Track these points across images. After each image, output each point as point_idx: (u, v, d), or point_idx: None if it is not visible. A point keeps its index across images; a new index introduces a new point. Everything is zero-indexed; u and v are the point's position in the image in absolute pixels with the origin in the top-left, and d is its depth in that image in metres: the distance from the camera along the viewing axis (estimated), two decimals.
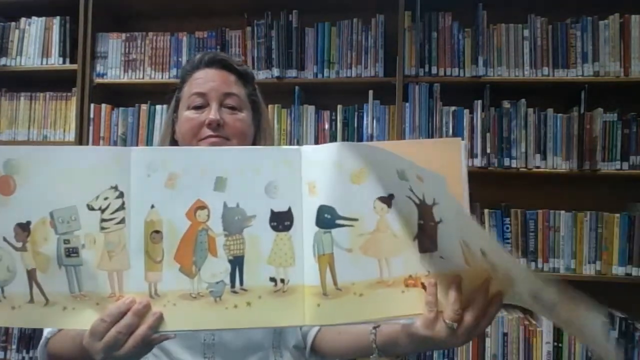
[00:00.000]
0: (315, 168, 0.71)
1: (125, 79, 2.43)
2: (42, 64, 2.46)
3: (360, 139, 2.29)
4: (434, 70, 2.24)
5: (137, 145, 2.38)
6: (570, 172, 2.13)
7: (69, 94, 2.48)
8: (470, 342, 2.11)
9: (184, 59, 2.39)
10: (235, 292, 0.71)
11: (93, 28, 2.42)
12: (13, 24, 2.50)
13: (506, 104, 2.20)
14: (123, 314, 0.69)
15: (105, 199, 0.71)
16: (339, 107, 2.31)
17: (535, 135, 2.17)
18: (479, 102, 2.21)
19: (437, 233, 0.70)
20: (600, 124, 2.13)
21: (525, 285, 0.65)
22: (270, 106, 2.26)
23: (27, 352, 2.44)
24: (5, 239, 0.70)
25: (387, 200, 0.70)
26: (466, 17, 2.24)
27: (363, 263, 0.70)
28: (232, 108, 0.99)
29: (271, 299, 0.71)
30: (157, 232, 0.71)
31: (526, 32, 2.20)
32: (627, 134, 2.12)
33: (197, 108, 0.99)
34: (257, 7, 2.35)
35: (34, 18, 2.48)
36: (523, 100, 2.19)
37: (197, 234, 0.71)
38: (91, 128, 2.42)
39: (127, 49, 2.44)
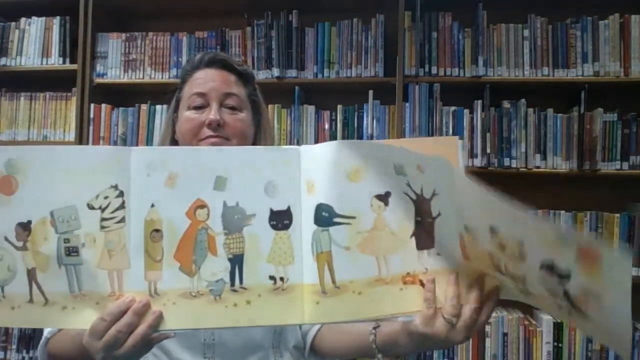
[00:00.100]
0: (313, 167, 0.72)
1: (125, 79, 2.44)
2: (42, 64, 2.47)
3: (360, 139, 2.29)
4: (434, 70, 2.24)
5: (137, 145, 2.38)
6: (570, 172, 2.13)
7: (69, 94, 2.48)
8: (470, 342, 2.11)
9: (184, 59, 2.39)
10: (235, 290, 0.71)
11: (93, 28, 2.42)
12: (13, 24, 2.50)
13: (506, 104, 2.20)
14: (123, 313, 0.70)
15: (105, 198, 0.71)
16: (339, 107, 2.31)
17: (535, 135, 2.17)
18: (479, 102, 2.21)
19: (434, 229, 0.70)
20: (600, 124, 2.13)
21: (540, 254, 0.62)
22: (270, 106, 2.26)
23: (27, 352, 2.44)
24: (6, 239, 0.70)
25: (384, 198, 0.71)
26: (466, 17, 2.24)
27: (361, 261, 0.71)
28: (232, 108, 0.99)
29: (271, 298, 0.71)
30: (157, 231, 0.71)
31: (526, 32, 2.20)
32: (627, 134, 2.12)
33: (198, 108, 0.99)
34: (257, 7, 2.35)
35: (34, 18, 2.48)
36: (523, 100, 2.19)
37: (197, 233, 0.71)
38: (91, 128, 2.42)
39: (127, 49, 2.45)
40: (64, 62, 2.45)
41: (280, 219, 0.72)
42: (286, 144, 2.31)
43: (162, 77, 2.41)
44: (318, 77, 2.31)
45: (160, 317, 0.70)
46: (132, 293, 0.70)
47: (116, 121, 2.44)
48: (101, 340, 0.70)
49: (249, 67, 1.10)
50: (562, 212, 2.15)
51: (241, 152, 0.77)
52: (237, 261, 0.71)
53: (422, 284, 0.71)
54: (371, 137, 2.29)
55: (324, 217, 0.71)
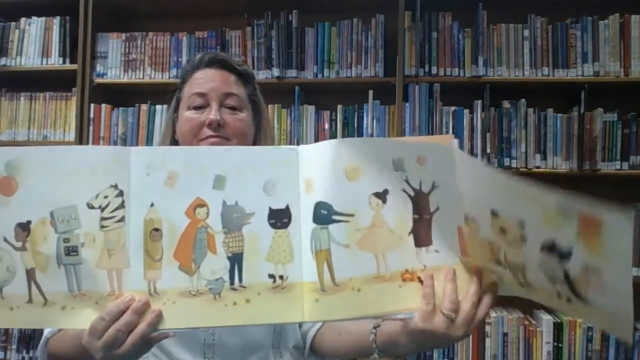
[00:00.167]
0: (312, 166, 0.73)
1: (125, 79, 2.43)
2: (42, 64, 2.46)
3: None
4: (434, 70, 2.24)
5: (137, 145, 2.38)
6: (570, 172, 2.13)
7: (69, 94, 2.48)
8: (470, 342, 2.11)
9: (184, 59, 2.39)
10: (234, 289, 0.71)
11: (93, 28, 2.42)
12: (13, 24, 2.50)
13: (506, 104, 2.20)
14: (122, 312, 0.70)
15: (105, 197, 0.71)
16: (339, 107, 2.31)
17: (535, 135, 2.17)
18: (479, 102, 2.21)
19: (432, 226, 0.71)
20: (600, 124, 2.13)
21: (540, 234, 0.62)
22: (270, 106, 2.26)
23: (27, 352, 2.44)
24: (5, 239, 0.70)
25: (382, 195, 0.71)
26: (466, 17, 2.24)
27: (360, 258, 0.71)
28: (233, 108, 0.99)
29: (270, 296, 0.72)
30: (157, 230, 0.72)
31: (526, 32, 2.20)
32: (627, 134, 2.12)
33: (198, 108, 0.99)
34: (257, 7, 2.35)
35: (34, 18, 2.48)
36: (523, 100, 2.19)
37: (197, 232, 0.72)
38: (91, 128, 2.42)
39: (127, 49, 2.44)
40: (64, 62, 2.45)
41: (279, 218, 0.73)
42: (286, 144, 2.31)
43: (162, 77, 2.41)
44: (318, 77, 2.31)
45: (159, 316, 0.70)
46: (132, 292, 0.71)
47: (116, 121, 2.43)
48: (100, 340, 0.70)
49: (249, 67, 1.10)
50: None
51: (240, 151, 0.78)
52: (236, 260, 0.72)
53: (421, 281, 0.72)
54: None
55: (323, 215, 0.71)
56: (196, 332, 0.94)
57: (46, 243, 0.70)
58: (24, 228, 0.70)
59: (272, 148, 0.87)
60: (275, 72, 2.31)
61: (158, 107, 2.40)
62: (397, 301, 0.72)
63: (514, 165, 2.16)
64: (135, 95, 2.49)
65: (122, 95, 2.53)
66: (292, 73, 2.32)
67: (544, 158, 2.15)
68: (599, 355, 2.05)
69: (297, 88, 2.31)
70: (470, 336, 2.11)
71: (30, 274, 0.70)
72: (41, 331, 0.95)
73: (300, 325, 1.01)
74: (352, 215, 0.71)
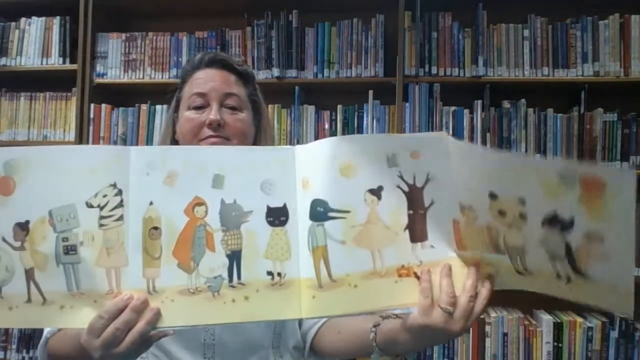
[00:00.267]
0: (308, 164, 0.74)
1: (125, 79, 2.44)
2: (42, 64, 2.46)
3: None
4: (434, 70, 2.24)
5: (137, 145, 2.38)
6: None
7: (69, 94, 2.48)
8: (470, 342, 2.11)
9: (184, 59, 2.39)
10: (233, 286, 0.72)
11: (93, 28, 2.42)
12: (13, 24, 2.50)
13: (506, 104, 2.20)
14: (121, 311, 0.70)
15: (104, 196, 0.71)
16: (339, 107, 2.31)
17: (535, 135, 2.17)
18: (479, 102, 2.21)
19: (426, 221, 0.72)
20: (600, 124, 2.13)
21: (541, 208, 0.63)
22: (270, 106, 2.26)
23: (27, 352, 2.44)
24: (3, 239, 0.70)
25: (377, 192, 0.72)
26: (466, 17, 2.24)
27: (356, 254, 0.72)
28: (233, 108, 0.99)
29: (268, 293, 0.72)
30: (156, 228, 0.72)
31: (526, 32, 2.20)
32: (627, 134, 2.12)
33: (198, 108, 0.99)
34: (257, 7, 2.35)
35: (34, 18, 2.48)
36: (523, 100, 2.19)
37: (195, 230, 0.72)
38: (91, 128, 2.42)
39: (127, 49, 2.44)
40: (64, 62, 2.45)
41: (277, 216, 0.74)
42: (286, 144, 2.31)
43: (162, 77, 2.41)
44: (318, 77, 2.31)
45: (158, 314, 0.70)
46: (130, 290, 0.71)
47: (116, 121, 2.43)
48: (99, 339, 0.70)
49: (249, 67, 1.10)
50: None
51: (238, 151, 0.80)
52: (235, 257, 0.72)
53: (417, 277, 0.72)
54: None
55: (319, 212, 0.72)
56: (196, 332, 0.94)
57: (45, 242, 0.70)
58: (22, 228, 0.70)
59: (269, 148, 0.88)
60: (275, 72, 2.31)
61: (158, 107, 2.40)
62: (393, 297, 0.72)
63: None
64: (135, 95, 2.49)
65: (122, 95, 2.53)
66: (292, 73, 2.32)
67: (544, 158, 2.15)
68: (599, 355, 2.05)
69: (297, 88, 2.31)
70: (470, 336, 2.11)
71: (29, 274, 0.71)
72: (41, 331, 0.95)
73: (300, 325, 1.01)
74: (347, 211, 0.72)
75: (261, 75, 2.30)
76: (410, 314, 0.73)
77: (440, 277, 0.71)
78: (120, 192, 0.72)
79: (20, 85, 2.52)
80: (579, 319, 2.09)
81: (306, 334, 1.00)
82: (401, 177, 0.72)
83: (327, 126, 2.32)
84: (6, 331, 2.45)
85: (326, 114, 2.33)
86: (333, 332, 0.96)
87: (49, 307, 0.71)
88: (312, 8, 2.33)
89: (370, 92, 2.28)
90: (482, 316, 2.07)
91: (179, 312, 0.71)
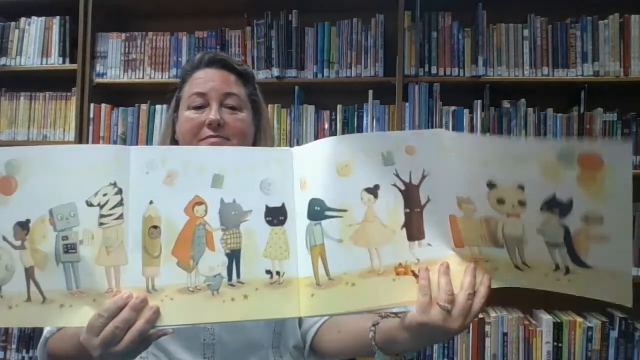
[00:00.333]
0: (306, 165, 0.75)
1: (125, 79, 2.44)
2: (42, 64, 2.46)
3: None
4: (434, 70, 2.24)
5: (137, 145, 2.38)
6: None
7: (69, 94, 2.48)
8: (470, 342, 2.11)
9: (184, 59, 2.39)
10: (232, 285, 0.72)
11: (93, 28, 2.42)
12: (13, 24, 2.50)
13: (506, 104, 2.20)
14: (120, 309, 0.70)
15: (105, 195, 0.72)
16: (339, 107, 2.31)
17: (535, 135, 2.16)
18: (479, 102, 2.21)
19: (423, 220, 0.73)
20: (600, 124, 2.13)
21: (541, 192, 0.64)
22: (270, 106, 2.26)
23: (27, 352, 2.44)
24: (4, 238, 0.71)
25: (374, 191, 0.73)
26: (466, 17, 2.24)
27: (354, 253, 0.72)
28: (233, 108, 0.99)
29: (268, 292, 0.73)
30: (156, 227, 0.72)
31: (526, 32, 2.20)
32: (627, 134, 2.12)
33: (198, 108, 0.99)
34: (257, 7, 2.35)
35: (34, 18, 2.48)
36: (523, 100, 2.19)
37: (195, 229, 0.73)
38: (91, 128, 2.42)
39: (127, 49, 2.44)
40: (64, 62, 2.45)
41: (276, 215, 0.74)
42: (286, 144, 2.32)
43: (162, 77, 2.41)
44: (318, 77, 2.31)
45: (157, 313, 0.71)
46: (130, 289, 0.71)
47: (116, 121, 2.44)
48: (99, 337, 0.70)
49: (249, 67, 1.10)
50: None
51: (238, 152, 0.81)
52: (234, 256, 0.73)
53: (415, 275, 0.73)
54: None
55: (317, 211, 0.73)
56: (196, 331, 0.94)
57: (45, 241, 0.71)
58: (23, 227, 0.71)
59: (267, 149, 0.89)
60: (275, 72, 2.31)
61: (158, 107, 2.40)
62: (391, 295, 0.73)
63: None
64: (135, 95, 2.49)
65: (122, 95, 2.53)
66: (292, 73, 2.32)
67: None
68: (599, 355, 2.05)
69: (297, 88, 2.31)
70: (470, 336, 2.11)
71: (29, 273, 0.71)
72: (41, 331, 0.95)
73: (300, 324, 1.01)
74: (344, 211, 0.73)
75: (261, 75, 2.30)
76: (409, 313, 0.73)
77: (438, 275, 0.72)
78: (120, 192, 0.72)
79: (20, 85, 2.52)
80: (579, 319, 2.09)
81: (306, 334, 1.00)
82: (397, 176, 0.72)
83: (327, 126, 2.32)
84: (6, 331, 2.45)
85: (326, 114, 2.33)
86: (333, 332, 0.96)
87: (49, 306, 0.71)
88: (312, 8, 2.33)
89: (370, 92, 2.28)
90: (481, 316, 2.08)
91: (179, 310, 0.71)
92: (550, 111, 2.18)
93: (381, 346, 0.81)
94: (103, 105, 2.43)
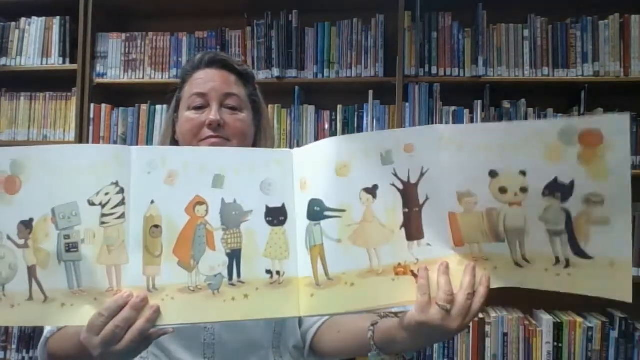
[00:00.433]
0: (305, 165, 0.75)
1: (125, 79, 2.44)
2: (42, 64, 2.47)
3: None
4: (434, 70, 2.24)
5: (137, 145, 2.38)
6: None
7: (69, 94, 2.48)
8: (470, 342, 2.11)
9: (184, 59, 2.39)
10: (232, 284, 0.73)
11: (93, 28, 2.42)
12: (13, 24, 2.50)
13: (506, 104, 2.20)
14: (121, 308, 0.70)
15: (106, 194, 0.72)
16: (339, 107, 2.31)
17: None
18: (479, 102, 2.21)
19: (422, 219, 0.73)
20: None
21: (542, 176, 0.65)
22: (270, 106, 2.26)
23: (27, 352, 2.44)
24: (8, 237, 0.71)
25: (372, 191, 0.73)
26: (466, 17, 2.25)
27: (353, 253, 0.73)
28: (233, 108, 0.99)
29: (267, 291, 0.73)
30: (157, 226, 0.73)
31: (526, 32, 2.20)
32: None
33: (198, 108, 0.99)
34: (257, 7, 2.35)
35: (34, 18, 2.48)
36: (523, 100, 2.19)
37: (196, 229, 0.73)
38: (91, 128, 2.42)
39: (127, 49, 2.45)
40: (64, 62, 2.45)
41: (276, 216, 0.75)
42: (286, 144, 2.32)
43: (162, 77, 2.41)
44: (318, 77, 2.31)
45: (158, 312, 0.71)
46: (131, 288, 0.71)
47: (116, 121, 2.44)
48: (99, 336, 0.70)
49: (249, 67, 1.10)
50: None
51: (238, 152, 0.82)
52: (234, 256, 0.73)
53: (414, 275, 0.73)
54: None
55: (316, 211, 0.73)
56: (196, 331, 0.94)
57: (47, 240, 0.71)
58: (27, 226, 0.71)
59: (267, 150, 0.89)
60: (275, 72, 2.31)
61: (158, 107, 2.40)
62: (390, 295, 0.73)
63: None
64: (135, 95, 2.49)
65: (122, 95, 2.53)
66: (292, 73, 2.32)
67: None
68: (599, 355, 2.05)
69: (297, 88, 2.32)
70: (470, 336, 2.11)
71: (31, 271, 0.71)
72: (41, 330, 0.95)
73: (300, 324, 1.01)
74: (343, 210, 0.73)
75: (261, 75, 2.30)
76: (408, 312, 0.74)
77: (437, 274, 0.72)
78: (122, 191, 0.72)
79: (20, 85, 2.52)
80: (579, 319, 2.09)
81: (306, 334, 1.00)
82: (395, 175, 0.72)
83: (327, 126, 2.32)
84: (6, 331, 2.45)
85: (326, 114, 2.33)
86: (332, 332, 0.96)
87: (50, 304, 0.71)
88: (312, 8, 2.33)
89: (370, 92, 2.28)
90: (481, 316, 2.08)
91: (179, 310, 0.71)
92: (550, 111, 2.18)
93: (380, 346, 0.81)
94: (103, 105, 2.43)
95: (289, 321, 1.00)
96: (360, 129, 2.29)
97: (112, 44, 2.45)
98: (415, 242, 0.73)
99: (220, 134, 0.97)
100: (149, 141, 2.38)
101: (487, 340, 2.11)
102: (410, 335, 0.75)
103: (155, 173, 0.73)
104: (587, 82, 2.14)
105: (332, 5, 2.35)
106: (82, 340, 0.72)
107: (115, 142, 2.41)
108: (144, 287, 0.71)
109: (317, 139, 2.30)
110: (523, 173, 0.66)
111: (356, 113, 2.30)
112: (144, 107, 2.42)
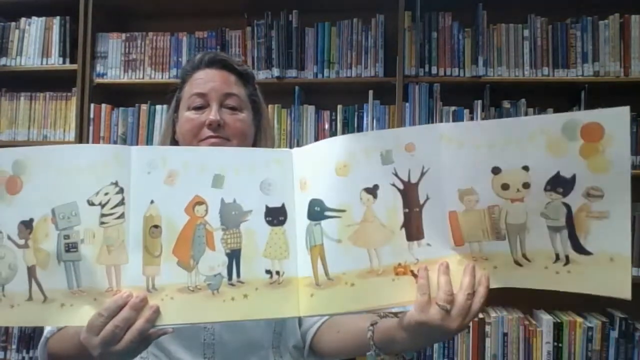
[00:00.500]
0: (305, 165, 0.75)
1: (125, 79, 2.44)
2: (42, 64, 2.47)
3: None
4: (434, 70, 2.24)
5: (137, 145, 2.38)
6: None
7: (69, 94, 2.48)
8: (470, 342, 2.11)
9: (184, 59, 2.39)
10: (232, 284, 0.73)
11: (93, 28, 2.42)
12: (13, 24, 2.50)
13: (506, 104, 2.20)
14: (120, 308, 0.70)
15: (106, 194, 0.72)
16: (339, 107, 2.31)
17: None
18: (479, 102, 2.21)
19: (422, 219, 0.73)
20: None
21: (544, 171, 0.66)
22: (270, 106, 2.26)
23: (27, 352, 2.44)
24: (9, 237, 0.71)
25: (373, 191, 0.73)
26: (466, 17, 2.25)
27: (353, 253, 0.73)
28: (233, 108, 0.99)
29: (267, 291, 0.73)
30: (156, 226, 0.73)
31: (526, 32, 2.20)
32: None
33: (198, 108, 0.99)
34: (257, 7, 2.35)
35: (34, 18, 2.48)
36: (523, 100, 2.19)
37: (195, 229, 0.73)
38: (91, 128, 2.42)
39: (127, 49, 2.45)
40: (64, 62, 2.45)
41: (276, 215, 0.75)
42: (286, 144, 2.32)
43: (162, 77, 2.41)
44: (318, 77, 2.31)
45: (157, 312, 0.71)
46: (130, 288, 0.71)
47: (116, 121, 2.44)
48: (98, 336, 0.70)
49: (249, 67, 1.10)
50: None
51: (238, 152, 0.81)
52: (234, 256, 0.73)
53: (414, 275, 0.73)
54: None
55: (316, 211, 0.73)
56: (196, 331, 0.94)
57: (47, 240, 0.71)
58: (27, 226, 0.71)
59: (267, 150, 0.89)
60: (275, 72, 2.31)
61: (158, 107, 2.40)
62: (390, 295, 0.73)
63: None
64: (135, 95, 2.49)
65: (122, 95, 2.53)
66: (292, 73, 2.32)
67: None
68: (599, 355, 2.05)
69: (297, 88, 2.32)
70: (470, 336, 2.11)
71: (31, 271, 0.71)
72: (41, 330, 0.95)
73: (300, 324, 1.01)
74: (343, 210, 0.73)
75: (261, 75, 2.30)
76: (408, 312, 0.73)
77: (437, 274, 0.72)
78: (121, 191, 0.72)
79: (20, 85, 2.52)
80: (579, 319, 2.09)
81: (306, 334, 1.00)
82: (396, 175, 0.72)
83: (327, 126, 2.32)
84: (6, 331, 2.45)
85: (326, 114, 2.33)
86: (332, 332, 0.96)
87: (50, 305, 0.71)
88: (312, 8, 2.33)
89: (370, 92, 2.28)
90: (481, 316, 2.08)
91: (179, 310, 0.71)
92: (550, 111, 2.18)
93: (379, 345, 0.81)
94: (103, 105, 2.43)
95: (289, 321, 1.00)
96: (360, 129, 2.29)
97: (112, 44, 2.45)
98: (416, 242, 0.73)
99: (220, 134, 0.97)
100: (149, 141, 2.38)
101: (487, 340, 2.11)
102: (410, 335, 0.75)
103: (155, 173, 0.73)
104: (587, 82, 2.14)
105: (332, 5, 2.35)
106: (81, 340, 0.72)
107: (115, 142, 2.41)
108: (144, 287, 0.71)
109: (317, 139, 2.30)
110: (526, 168, 0.67)
111: (356, 113, 2.30)
112: (144, 107, 2.42)
